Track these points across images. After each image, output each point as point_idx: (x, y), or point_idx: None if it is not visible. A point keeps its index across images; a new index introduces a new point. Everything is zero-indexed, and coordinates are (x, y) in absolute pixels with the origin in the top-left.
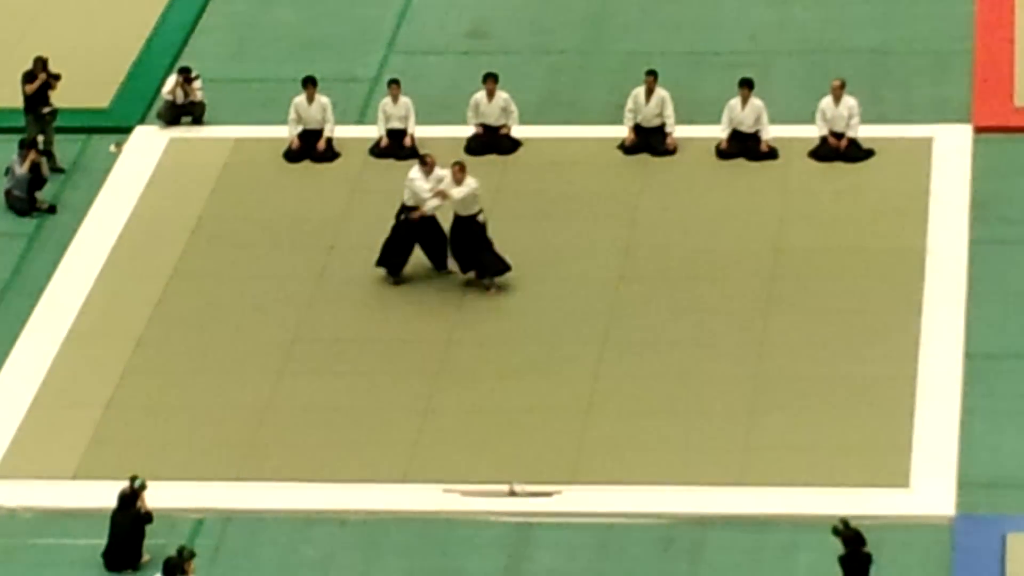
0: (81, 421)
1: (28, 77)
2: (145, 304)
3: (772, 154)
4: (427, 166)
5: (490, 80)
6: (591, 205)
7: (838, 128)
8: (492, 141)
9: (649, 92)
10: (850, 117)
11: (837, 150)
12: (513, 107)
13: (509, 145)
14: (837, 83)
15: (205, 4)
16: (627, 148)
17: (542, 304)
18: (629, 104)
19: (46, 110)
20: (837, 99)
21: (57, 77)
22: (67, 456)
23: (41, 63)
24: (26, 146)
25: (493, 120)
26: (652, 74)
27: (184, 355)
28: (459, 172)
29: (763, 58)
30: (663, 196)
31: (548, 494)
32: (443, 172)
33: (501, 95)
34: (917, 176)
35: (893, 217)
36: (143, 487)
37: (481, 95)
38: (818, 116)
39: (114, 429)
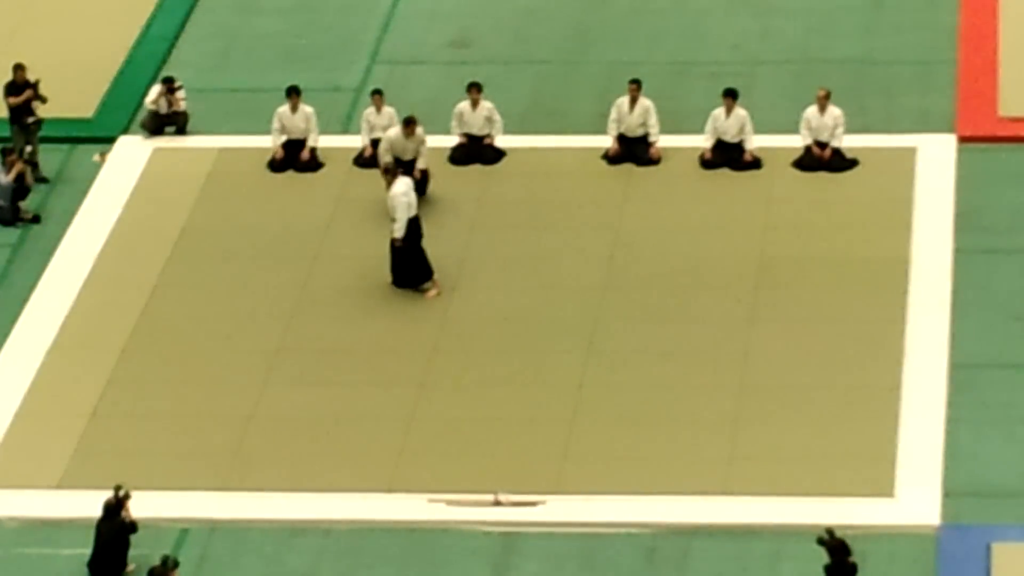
0: (66, 430)
1: (12, 89)
2: (129, 314)
3: (756, 164)
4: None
5: (474, 89)
6: (575, 215)
7: (823, 138)
8: (476, 151)
9: (633, 101)
10: (835, 127)
11: (821, 160)
12: (497, 117)
13: (493, 155)
14: (822, 93)
15: (189, 14)
16: (611, 158)
17: (526, 313)
18: (613, 114)
19: (31, 120)
20: (822, 109)
21: (44, 100)
22: (52, 465)
23: (25, 81)
24: (10, 155)
25: (477, 130)
26: (636, 83)
27: (169, 365)
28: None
29: (747, 68)
30: (647, 206)
31: (533, 503)
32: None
33: (485, 105)
34: (901, 186)
35: (877, 227)
36: (128, 496)
37: (465, 105)
38: (803, 126)
39: (99, 439)
